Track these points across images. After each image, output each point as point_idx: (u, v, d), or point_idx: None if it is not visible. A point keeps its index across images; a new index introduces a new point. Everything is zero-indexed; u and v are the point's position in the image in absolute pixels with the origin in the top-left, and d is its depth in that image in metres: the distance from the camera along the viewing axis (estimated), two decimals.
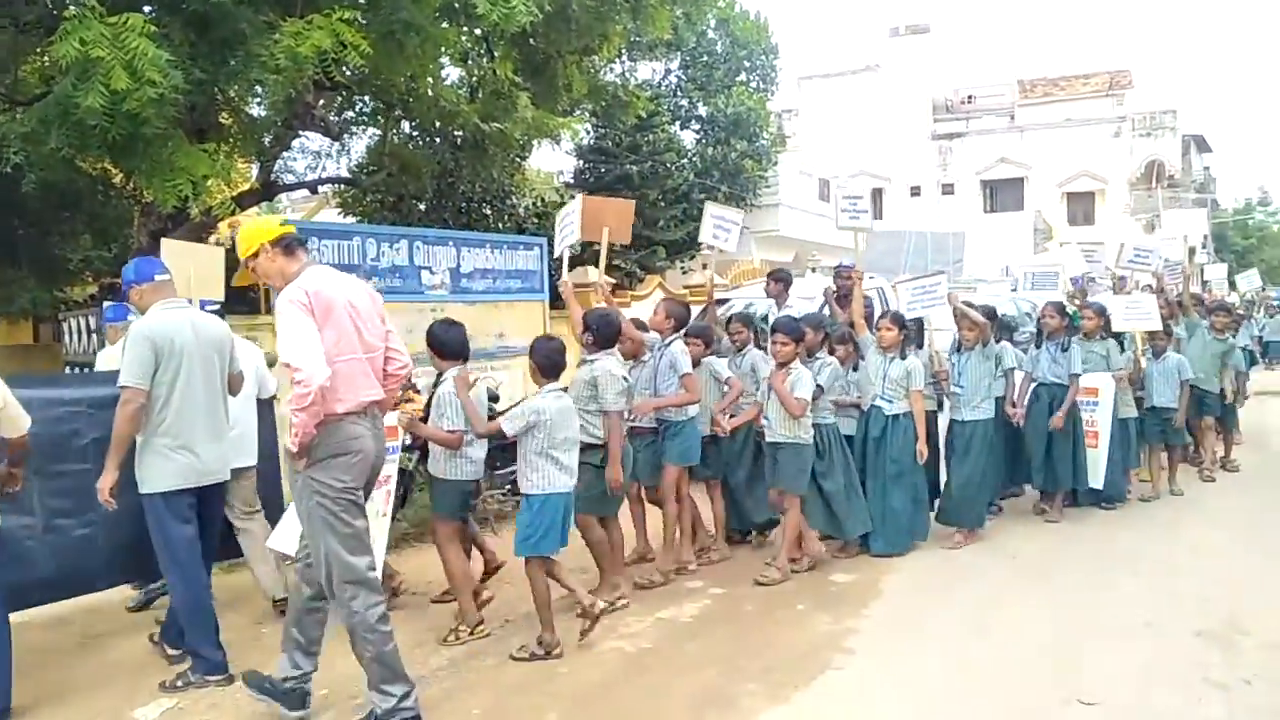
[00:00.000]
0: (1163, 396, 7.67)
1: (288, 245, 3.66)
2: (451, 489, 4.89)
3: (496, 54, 8.86)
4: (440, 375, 4.92)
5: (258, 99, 8.67)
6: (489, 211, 13.85)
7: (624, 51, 12.36)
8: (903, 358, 6.09)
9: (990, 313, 7.14)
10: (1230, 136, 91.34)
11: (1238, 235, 53.38)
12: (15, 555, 4.20)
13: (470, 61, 9.60)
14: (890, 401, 6.06)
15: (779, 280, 7.74)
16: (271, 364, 5.38)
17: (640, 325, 6.08)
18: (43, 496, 4.38)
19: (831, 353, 6.24)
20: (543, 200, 15.59)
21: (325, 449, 3.49)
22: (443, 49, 8.22)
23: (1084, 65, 46.04)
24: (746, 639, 4.84)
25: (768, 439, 5.78)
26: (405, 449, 4.99)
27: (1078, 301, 8.26)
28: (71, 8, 5.65)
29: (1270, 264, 57.55)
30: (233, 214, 9.54)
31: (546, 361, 4.70)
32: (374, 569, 3.73)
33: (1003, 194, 37.22)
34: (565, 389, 4.78)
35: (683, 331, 5.90)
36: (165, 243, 5.95)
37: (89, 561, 4.54)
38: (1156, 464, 7.77)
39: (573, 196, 15.66)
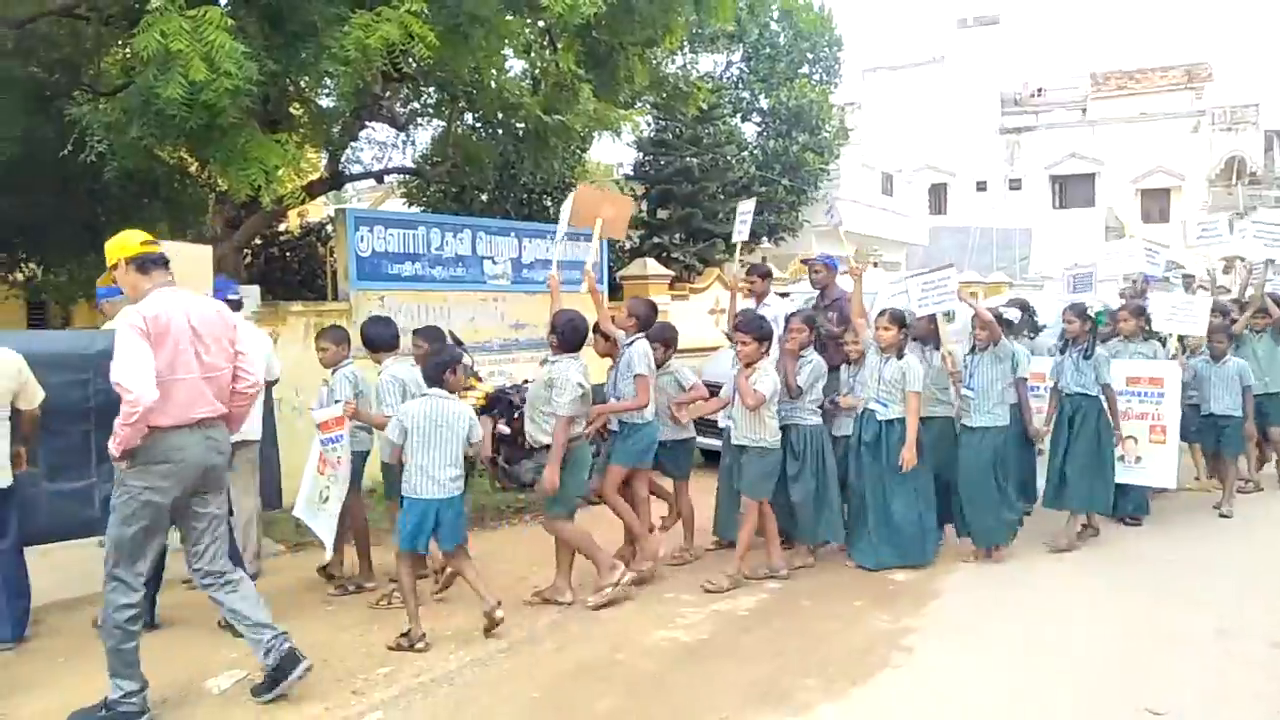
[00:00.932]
0: (1220, 403, 7.18)
1: (142, 264, 3.88)
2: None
3: (559, 46, 8.88)
4: (382, 367, 5.40)
5: (327, 90, 8.84)
6: (549, 203, 13.94)
7: (686, 43, 12.30)
8: (899, 357, 5.70)
9: (1023, 305, 7.06)
10: None
11: None
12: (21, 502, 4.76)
13: (533, 53, 9.63)
14: (885, 405, 5.68)
15: (761, 276, 7.39)
16: None
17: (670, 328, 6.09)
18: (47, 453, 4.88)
19: (823, 350, 5.95)
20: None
21: (146, 456, 3.75)
22: (506, 41, 8.28)
23: (1160, 58, 44.53)
24: (803, 633, 4.81)
25: (733, 440, 5.63)
26: None
27: (1124, 300, 7.71)
28: (153, 1, 5.82)
29: None
30: (302, 203, 9.78)
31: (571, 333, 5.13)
32: (142, 576, 3.87)
33: (1073, 190, 36.24)
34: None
35: (644, 332, 5.73)
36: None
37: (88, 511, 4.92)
38: (1203, 467, 7.54)
39: (632, 191, 15.72)
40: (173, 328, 3.79)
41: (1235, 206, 34.70)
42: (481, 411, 6.59)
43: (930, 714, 3.89)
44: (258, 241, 11.43)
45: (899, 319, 5.75)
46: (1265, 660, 4.36)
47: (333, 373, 5.42)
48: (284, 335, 7.62)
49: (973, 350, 6.06)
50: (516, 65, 10.49)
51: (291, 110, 8.47)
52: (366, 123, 10.20)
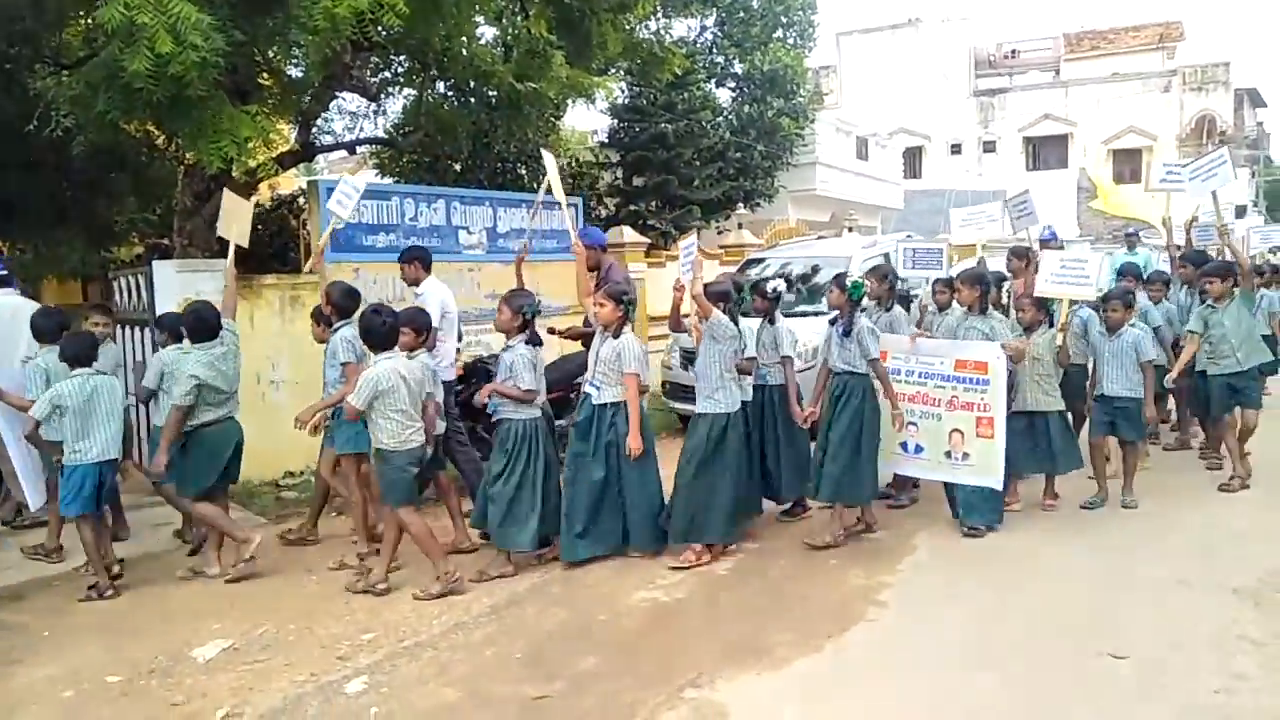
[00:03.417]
0: (1115, 383, 6.21)
1: None
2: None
3: (531, 12, 8.81)
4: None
5: (296, 60, 8.73)
6: (524, 171, 13.86)
7: (659, 8, 12.17)
8: (616, 336, 5.31)
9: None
10: None
11: None
12: None
13: (504, 20, 9.54)
14: (598, 388, 5.36)
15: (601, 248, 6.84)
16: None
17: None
18: None
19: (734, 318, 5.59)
20: (577, 160, 15.56)
21: None
22: (477, 7, 8.20)
23: (1133, 17, 44.57)
24: (780, 592, 4.93)
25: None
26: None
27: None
28: None
29: None
30: (274, 175, 9.67)
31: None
32: None
33: (1046, 151, 36.40)
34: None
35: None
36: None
37: None
38: (1102, 462, 6.37)
39: (607, 158, 15.61)
40: None
41: None
42: (459, 382, 6.65)
43: (903, 665, 4.02)
44: None
45: (614, 295, 5.28)
46: (1224, 605, 4.51)
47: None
48: (258, 308, 7.60)
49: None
50: (488, 32, 10.40)
51: (261, 81, 8.36)
52: (337, 93, 10.09)
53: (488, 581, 5.12)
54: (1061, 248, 12.76)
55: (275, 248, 11.50)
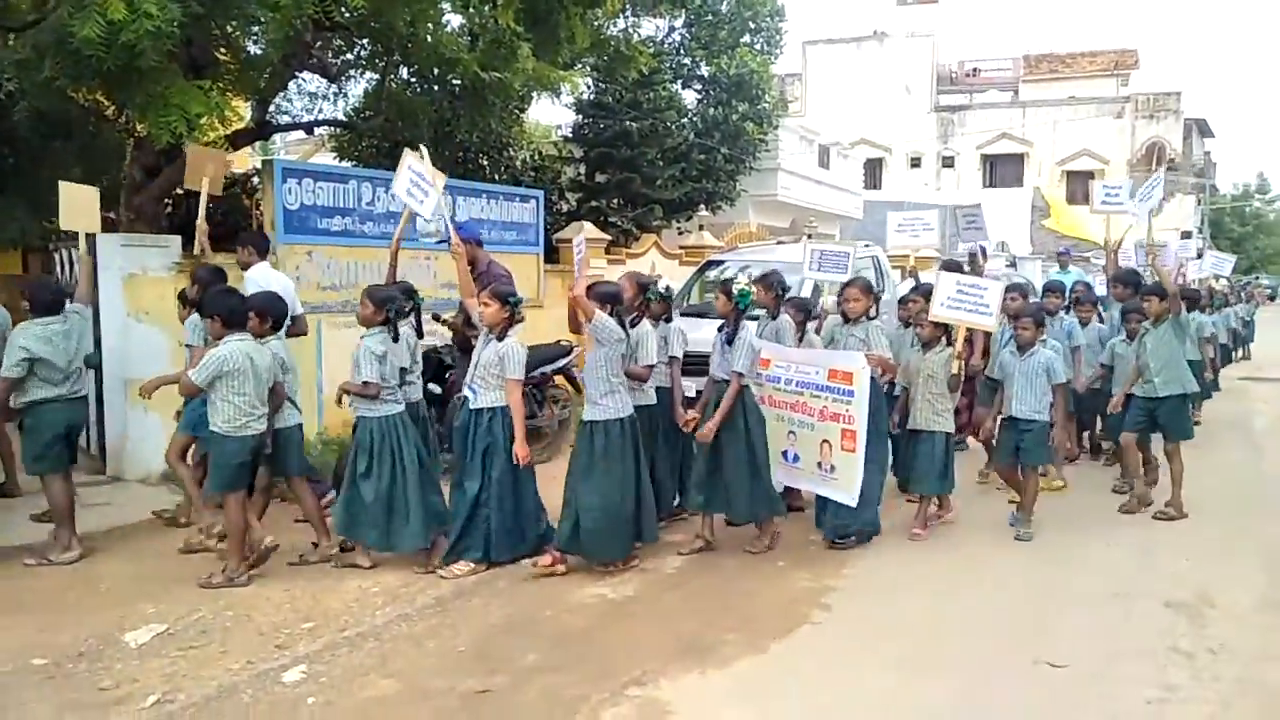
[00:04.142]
0: (1023, 404, 5.92)
1: None
2: None
3: (499, 2, 8.73)
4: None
5: (255, 37, 8.54)
6: (486, 162, 13.73)
7: (628, 6, 12.15)
8: (501, 339, 5.09)
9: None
10: (1232, 121, 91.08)
11: (1234, 222, 53.48)
12: None
13: (471, 9, 9.43)
14: (475, 392, 5.16)
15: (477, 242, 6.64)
16: None
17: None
18: None
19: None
20: (540, 154, 15.47)
21: None
22: None
23: (1090, 43, 45.73)
24: (727, 592, 4.93)
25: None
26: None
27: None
28: None
29: (1265, 252, 57.87)
30: (226, 152, 9.46)
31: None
32: None
33: (1003, 169, 37.15)
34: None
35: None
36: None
37: None
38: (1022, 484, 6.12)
39: (570, 153, 15.51)
40: None
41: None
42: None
43: (845, 668, 4.04)
44: (179, 191, 11.03)
45: (500, 295, 5.07)
46: (1158, 618, 4.62)
47: None
48: None
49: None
50: (454, 20, 10.27)
51: (217, 56, 8.17)
52: (296, 72, 9.89)
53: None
54: (1012, 264, 12.97)
55: (227, 228, 11.24)
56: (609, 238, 12.61)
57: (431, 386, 7.17)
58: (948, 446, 5.95)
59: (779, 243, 12.73)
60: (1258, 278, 49.16)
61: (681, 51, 17.20)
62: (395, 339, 5.12)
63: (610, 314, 5.01)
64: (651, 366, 5.43)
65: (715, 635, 4.32)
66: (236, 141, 9.52)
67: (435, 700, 3.67)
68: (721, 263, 10.51)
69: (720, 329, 5.48)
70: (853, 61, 37.65)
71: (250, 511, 4.97)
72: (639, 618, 4.58)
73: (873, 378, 5.63)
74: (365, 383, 4.95)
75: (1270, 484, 7.76)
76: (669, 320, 5.90)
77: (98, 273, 6.32)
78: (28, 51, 6.06)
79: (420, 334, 5.64)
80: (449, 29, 9.64)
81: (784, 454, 5.82)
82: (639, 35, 14.23)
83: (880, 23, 38.60)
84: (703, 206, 16.43)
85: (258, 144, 12.53)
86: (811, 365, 5.72)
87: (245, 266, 6.13)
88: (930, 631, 4.44)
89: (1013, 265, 17.18)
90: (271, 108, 10.61)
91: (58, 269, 8.46)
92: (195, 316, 5.39)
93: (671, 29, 17.25)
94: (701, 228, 15.40)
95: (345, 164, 12.63)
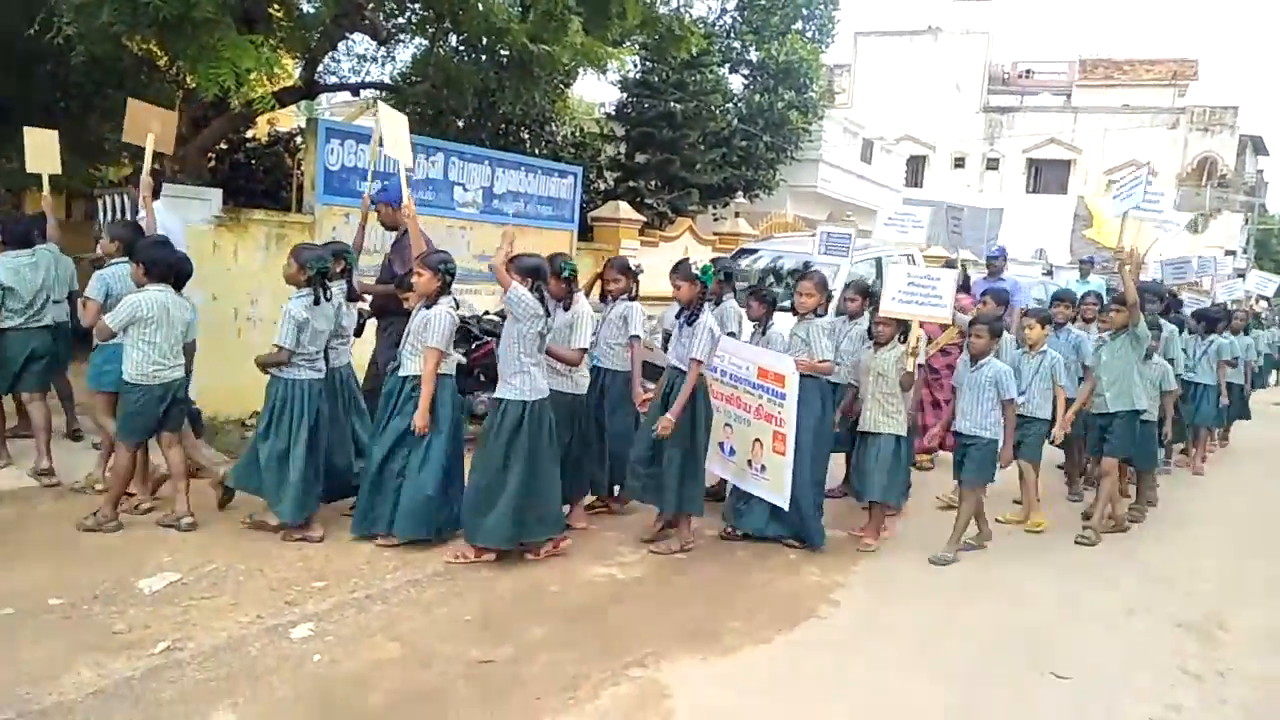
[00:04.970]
0: (968, 418, 5.56)
1: None
2: None
3: None
4: None
5: None
6: (526, 136, 13.74)
7: None
8: (429, 308, 5.01)
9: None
10: None
11: None
12: None
13: None
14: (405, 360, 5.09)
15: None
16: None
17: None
18: None
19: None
20: (581, 130, 15.43)
21: None
22: None
23: (1148, 50, 44.64)
24: (736, 581, 4.94)
25: None
26: None
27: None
28: None
29: None
30: (272, 109, 9.52)
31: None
32: None
33: (1048, 175, 36.50)
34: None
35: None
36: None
37: None
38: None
39: (611, 130, 15.43)
40: None
41: (1202, 207, 35.29)
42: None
43: (847, 665, 4.04)
44: (223, 146, 11.15)
45: (432, 264, 4.96)
46: (1168, 637, 4.57)
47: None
48: (243, 244, 7.49)
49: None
50: None
51: (271, 11, 8.21)
52: (347, 33, 9.93)
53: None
54: (1049, 272, 12.73)
55: (268, 185, 11.36)
56: (644, 219, 12.57)
57: (458, 357, 7.21)
58: (898, 450, 5.59)
59: (814, 234, 12.63)
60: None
61: (731, 35, 17.02)
62: (317, 301, 4.96)
63: (531, 289, 4.73)
64: (584, 350, 5.18)
65: (720, 623, 4.34)
66: (283, 99, 9.59)
67: (439, 667, 3.72)
68: (755, 251, 10.45)
69: (679, 313, 5.26)
70: (904, 55, 37.05)
71: (194, 451, 5.18)
72: (646, 600, 4.60)
73: (820, 388, 5.53)
74: (278, 347, 4.85)
75: None
76: (634, 298, 5.66)
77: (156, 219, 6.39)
78: None
79: (353, 297, 5.53)
80: None
81: (721, 445, 5.63)
82: (690, 16, 14.11)
83: (934, 17, 37.95)
84: (740, 193, 16.32)
85: (303, 103, 12.60)
86: (742, 360, 5.49)
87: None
88: (936, 634, 4.43)
89: (1049, 274, 16.88)
90: (320, 67, 10.68)
91: (102, 214, 8.58)
92: (100, 271, 5.33)
93: (724, 11, 17.08)
94: (738, 215, 15.32)
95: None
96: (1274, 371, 17.11)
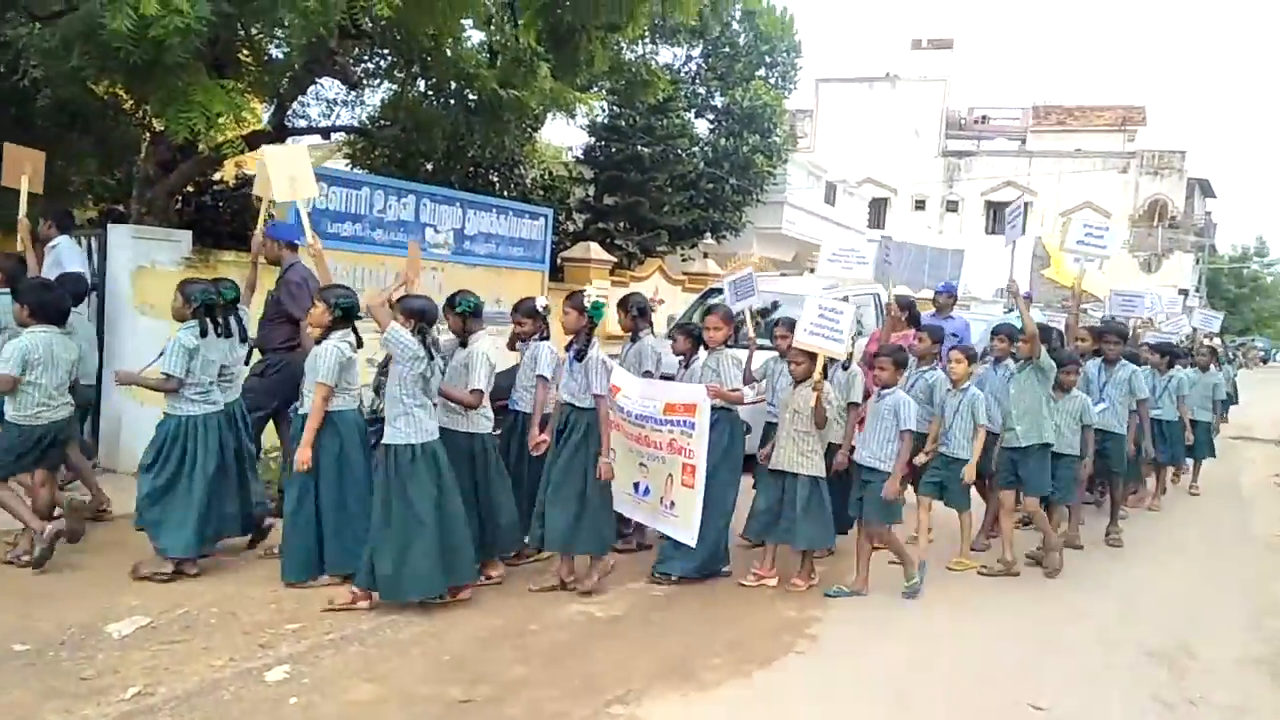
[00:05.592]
0: (867, 449, 5.39)
1: None
2: None
3: (521, 21, 8.85)
4: None
5: (279, 40, 8.64)
6: (496, 179, 13.84)
7: (648, 33, 12.33)
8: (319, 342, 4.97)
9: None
10: (1234, 183, 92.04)
11: (1231, 283, 53.88)
12: None
13: (494, 26, 9.57)
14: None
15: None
16: None
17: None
18: None
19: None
20: (550, 173, 15.59)
21: None
22: (469, 9, 8.22)
23: (1098, 97, 46.28)
24: (714, 617, 4.93)
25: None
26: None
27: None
28: None
29: (1260, 314, 58.22)
30: (241, 153, 9.54)
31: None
32: None
33: (1005, 217, 37.34)
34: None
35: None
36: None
37: None
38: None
39: (580, 174, 15.61)
40: None
41: (1154, 248, 36.34)
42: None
43: (827, 698, 4.05)
44: (190, 188, 11.10)
45: (326, 299, 4.87)
46: (1140, 667, 4.63)
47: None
48: None
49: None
50: (476, 36, 10.41)
51: (240, 56, 8.26)
52: (317, 78, 10.00)
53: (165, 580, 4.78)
54: (1011, 309, 12.96)
55: (234, 227, 11.29)
56: (614, 260, 12.69)
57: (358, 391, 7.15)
58: (816, 491, 5.35)
59: (782, 275, 12.82)
60: (1253, 340, 49.47)
61: (697, 81, 17.39)
62: (204, 333, 4.92)
63: (414, 330, 4.57)
64: (479, 392, 4.92)
65: (700, 659, 4.33)
66: (252, 142, 9.58)
67: (418, 707, 3.67)
68: (723, 290, 10.55)
69: (568, 346, 5.11)
70: (864, 101, 38.00)
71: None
72: (625, 637, 4.58)
73: (730, 418, 5.49)
74: (166, 375, 4.81)
75: (1256, 541, 7.79)
76: (544, 338, 5.49)
77: (107, 263, 6.38)
78: (56, 41, 6.14)
79: (243, 336, 5.51)
80: (470, 44, 9.78)
81: (635, 485, 5.42)
82: (657, 62, 14.41)
83: (893, 65, 39.02)
84: (708, 235, 16.54)
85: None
86: (650, 398, 5.28)
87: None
88: (914, 667, 4.45)
89: (1011, 310, 17.21)
90: (289, 111, 10.71)
91: None
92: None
93: (689, 58, 17.46)
94: (706, 255, 15.52)
95: (358, 171, 12.72)
96: (1228, 409, 17.49)
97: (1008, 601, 5.56)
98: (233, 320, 5.35)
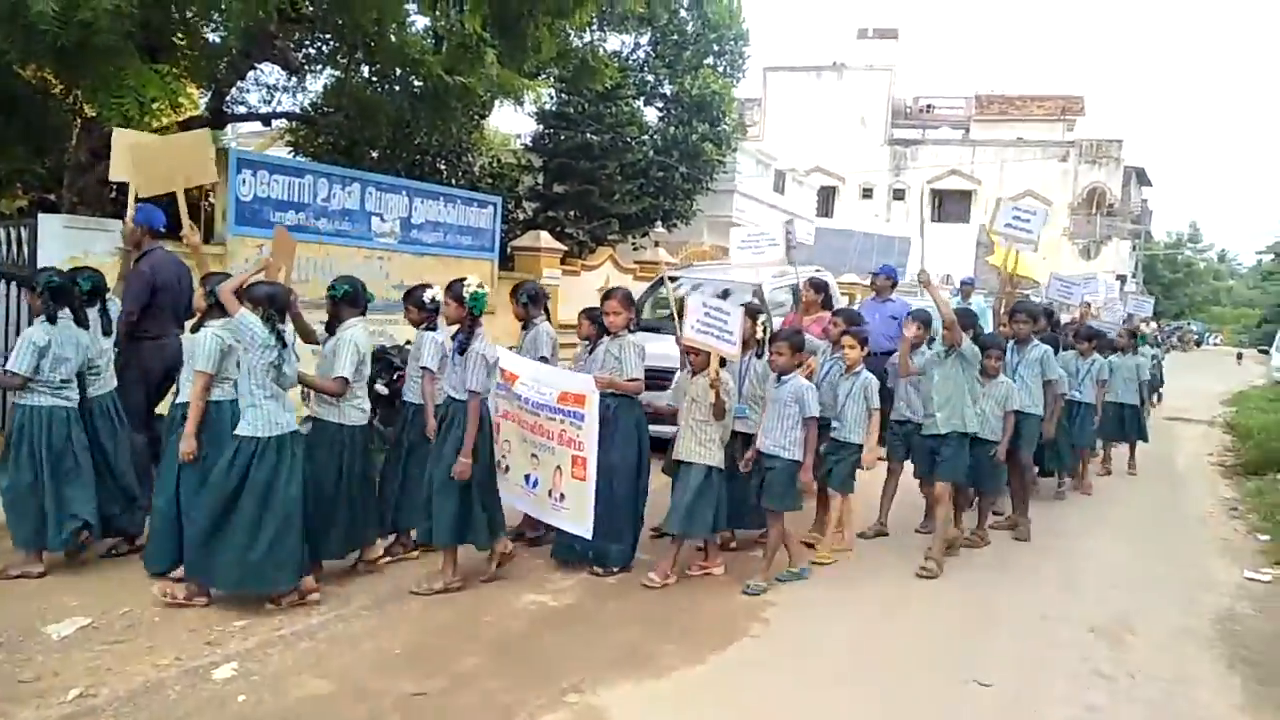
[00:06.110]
0: (769, 437, 5.33)
1: None
2: None
3: (466, 6, 8.73)
4: None
5: (216, 24, 8.42)
6: (443, 166, 13.67)
7: (596, 20, 12.24)
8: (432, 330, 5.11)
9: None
10: (1169, 171, 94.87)
11: (1166, 269, 55.59)
12: None
13: (438, 11, 9.42)
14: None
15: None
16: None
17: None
18: None
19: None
20: (499, 161, 15.44)
21: None
22: None
23: (1040, 87, 47.23)
24: (667, 604, 4.95)
25: None
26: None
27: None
28: None
29: (1193, 299, 60.18)
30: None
31: None
32: None
33: (950, 205, 38.03)
34: None
35: None
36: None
37: None
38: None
39: (529, 162, 15.49)
40: None
41: (1093, 235, 37.29)
42: None
43: (778, 680, 4.09)
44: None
45: (204, 285, 4.77)
46: (1081, 642, 4.76)
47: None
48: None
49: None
50: (420, 21, 10.24)
51: (175, 40, 8.02)
52: (256, 63, 9.76)
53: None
54: (959, 294, 13.19)
55: (176, 213, 11.00)
56: (565, 248, 12.62)
57: (379, 388, 7.10)
58: (708, 481, 5.24)
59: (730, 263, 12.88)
60: (1188, 324, 51.09)
61: (645, 69, 17.32)
62: (51, 320, 4.70)
63: (264, 317, 4.38)
64: (344, 379, 4.73)
65: (654, 645, 4.34)
66: (189, 128, 9.34)
67: (369, 702, 3.62)
68: (676, 279, 10.58)
69: (454, 337, 4.91)
70: (811, 90, 38.33)
71: None
72: (579, 626, 4.58)
73: (639, 409, 5.43)
74: (8, 371, 4.64)
75: (1189, 518, 8.06)
76: (432, 329, 5.22)
77: (37, 254, 6.16)
78: None
79: (106, 328, 5.12)
80: (414, 30, 9.61)
81: (526, 477, 5.39)
82: (605, 49, 14.33)
83: (840, 54, 39.40)
84: (659, 223, 16.54)
85: (211, 132, 12.28)
86: (546, 386, 5.27)
87: None
88: (863, 648, 4.52)
89: (957, 295, 17.56)
90: (228, 97, 10.45)
91: None
92: None
93: (637, 45, 17.38)
94: (657, 244, 15.51)
95: (301, 159, 12.47)
96: (1155, 391, 18.01)
97: (956, 584, 5.66)
98: (94, 311, 5.03)
